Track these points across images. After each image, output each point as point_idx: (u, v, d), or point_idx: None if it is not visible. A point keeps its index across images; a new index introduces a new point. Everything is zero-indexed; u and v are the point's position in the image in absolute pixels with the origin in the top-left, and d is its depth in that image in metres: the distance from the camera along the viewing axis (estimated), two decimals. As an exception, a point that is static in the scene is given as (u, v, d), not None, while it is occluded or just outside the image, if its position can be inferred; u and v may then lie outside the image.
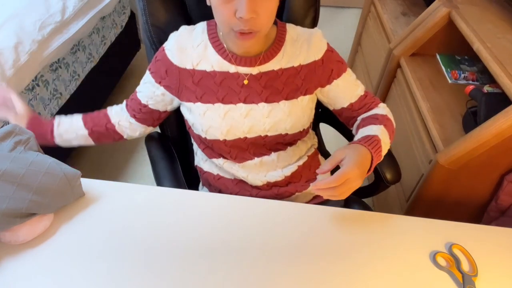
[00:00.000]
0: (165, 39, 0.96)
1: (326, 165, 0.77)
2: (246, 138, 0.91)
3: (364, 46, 2.15)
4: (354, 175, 0.75)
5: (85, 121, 0.96)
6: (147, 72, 0.92)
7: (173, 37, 0.89)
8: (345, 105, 0.96)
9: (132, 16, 2.33)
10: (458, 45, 1.42)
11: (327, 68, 0.91)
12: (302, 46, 0.90)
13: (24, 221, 0.71)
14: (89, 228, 0.77)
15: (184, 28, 0.90)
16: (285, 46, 0.89)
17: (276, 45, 0.89)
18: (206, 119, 0.89)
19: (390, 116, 0.96)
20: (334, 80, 0.93)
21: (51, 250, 0.73)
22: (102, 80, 2.06)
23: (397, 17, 1.83)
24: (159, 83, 0.90)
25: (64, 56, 1.66)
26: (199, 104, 0.89)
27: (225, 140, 0.91)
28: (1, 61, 1.30)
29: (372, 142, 0.83)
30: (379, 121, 0.90)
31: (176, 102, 0.94)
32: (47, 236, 0.75)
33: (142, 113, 0.96)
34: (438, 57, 1.52)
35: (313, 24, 1.07)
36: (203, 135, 0.92)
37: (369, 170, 0.81)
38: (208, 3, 0.81)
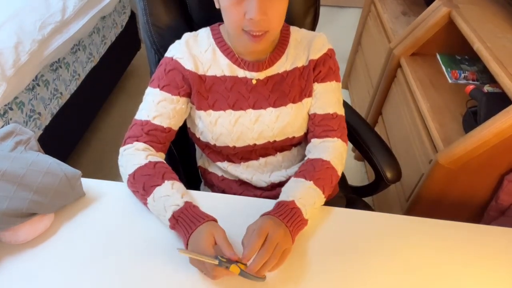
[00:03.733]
0: (166, 39, 0.96)
1: (244, 243, 0.68)
2: (255, 144, 0.91)
3: (364, 46, 2.15)
4: (275, 231, 0.68)
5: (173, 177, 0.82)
6: (156, 91, 0.85)
7: (181, 44, 0.86)
8: (310, 112, 0.92)
9: (133, 16, 2.34)
10: (458, 45, 1.42)
11: (317, 68, 0.90)
12: (304, 48, 0.90)
13: (24, 221, 0.71)
14: (90, 228, 0.77)
15: (188, 35, 0.88)
16: (288, 49, 0.89)
17: (279, 47, 0.89)
18: (218, 127, 0.88)
19: (337, 160, 0.87)
20: (315, 83, 0.91)
21: (51, 250, 0.73)
22: (103, 80, 2.06)
23: (397, 16, 1.83)
24: (178, 94, 0.85)
25: (64, 56, 1.66)
26: (210, 111, 0.87)
27: (234, 147, 0.90)
28: (1, 61, 1.30)
29: (285, 212, 0.74)
30: (311, 175, 0.82)
31: (189, 111, 0.91)
32: (47, 236, 0.75)
33: (167, 141, 0.88)
34: (438, 56, 1.52)
35: (313, 24, 1.07)
36: (212, 143, 0.90)
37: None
38: (217, 6, 0.80)
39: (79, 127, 1.88)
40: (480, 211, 1.26)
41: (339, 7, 3.32)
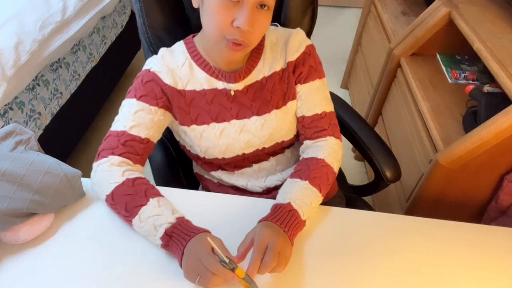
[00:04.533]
0: (163, 40, 0.96)
1: (240, 249, 0.68)
2: (244, 154, 0.90)
3: (364, 46, 2.15)
4: (274, 240, 0.67)
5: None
6: (133, 101, 0.81)
7: (158, 59, 0.84)
8: (298, 115, 0.91)
9: (133, 16, 2.33)
10: (458, 45, 1.42)
11: (297, 70, 0.88)
12: (281, 49, 0.88)
13: (24, 221, 0.71)
14: (90, 228, 0.77)
15: (164, 50, 0.86)
16: (264, 53, 0.88)
17: (255, 54, 0.87)
18: (204, 141, 0.87)
19: (332, 157, 0.86)
20: (298, 85, 0.89)
21: (51, 250, 0.73)
22: (103, 80, 2.06)
23: (397, 16, 1.83)
24: (156, 105, 0.81)
25: (64, 56, 1.66)
26: (194, 126, 0.86)
27: (223, 158, 0.90)
28: (1, 60, 1.30)
29: (282, 216, 0.74)
30: (306, 175, 0.82)
31: (173, 125, 0.89)
32: (47, 236, 0.75)
33: (145, 153, 0.83)
34: (438, 57, 1.52)
35: (311, 23, 1.06)
36: (201, 155, 0.90)
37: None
38: (195, 5, 0.79)
39: (79, 127, 1.88)
40: (480, 211, 1.26)
41: (339, 7, 3.33)
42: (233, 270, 0.64)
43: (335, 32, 3.01)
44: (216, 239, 0.68)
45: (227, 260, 0.64)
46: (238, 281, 0.65)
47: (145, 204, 0.73)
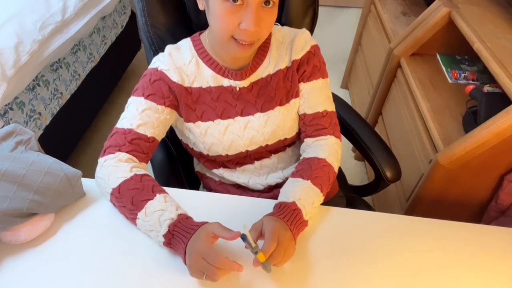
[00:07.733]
0: (164, 39, 0.96)
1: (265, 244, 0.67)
2: (247, 151, 0.91)
3: (364, 46, 2.15)
4: (283, 235, 0.69)
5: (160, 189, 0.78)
6: (141, 100, 0.82)
7: (165, 56, 0.84)
8: (300, 113, 0.92)
9: (133, 16, 2.34)
10: (458, 45, 1.42)
11: (301, 68, 0.89)
12: (287, 48, 0.89)
13: (25, 221, 0.71)
14: (90, 228, 0.77)
15: (171, 47, 0.86)
16: (270, 51, 0.89)
17: (261, 51, 0.88)
18: (208, 137, 0.87)
19: (333, 157, 0.87)
20: (301, 83, 0.90)
21: (52, 250, 0.73)
22: (103, 80, 2.06)
23: (397, 16, 1.83)
24: (163, 104, 0.82)
25: (64, 56, 1.66)
26: (199, 123, 0.86)
27: (227, 155, 0.90)
28: (1, 61, 1.30)
29: (288, 214, 0.75)
30: (308, 174, 0.82)
31: (176, 123, 0.90)
32: (48, 236, 0.75)
33: (150, 152, 0.84)
34: (438, 57, 1.52)
35: (312, 24, 1.07)
36: (205, 153, 0.90)
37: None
38: (201, 8, 0.80)
39: (79, 127, 1.89)
40: (480, 211, 1.26)
41: (339, 7, 3.33)
42: (256, 253, 0.65)
43: (335, 32, 3.01)
44: (214, 226, 0.68)
45: (253, 244, 0.65)
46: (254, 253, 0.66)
47: (151, 199, 0.73)
